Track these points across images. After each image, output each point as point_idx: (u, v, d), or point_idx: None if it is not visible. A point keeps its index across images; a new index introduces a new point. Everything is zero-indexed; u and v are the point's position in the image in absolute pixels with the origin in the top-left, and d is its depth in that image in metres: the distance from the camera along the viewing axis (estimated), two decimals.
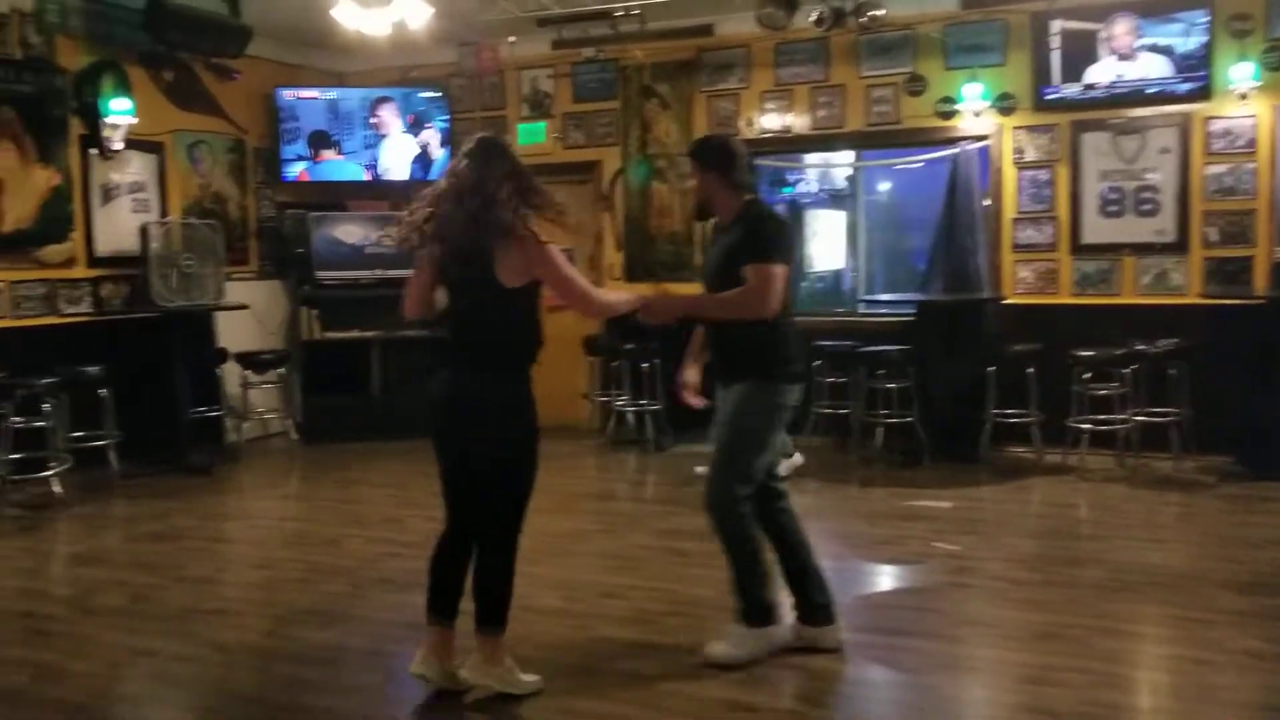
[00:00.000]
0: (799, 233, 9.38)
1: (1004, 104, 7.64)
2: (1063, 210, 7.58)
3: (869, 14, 7.11)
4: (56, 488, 6.49)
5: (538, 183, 3.47)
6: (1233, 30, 7.05)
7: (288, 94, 8.85)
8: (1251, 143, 7.09)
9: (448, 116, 9.03)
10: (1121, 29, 7.31)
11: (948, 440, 7.25)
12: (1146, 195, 7.37)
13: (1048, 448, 7.12)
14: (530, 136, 8.88)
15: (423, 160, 9.01)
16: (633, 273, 8.77)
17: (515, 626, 3.61)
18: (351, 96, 9.02)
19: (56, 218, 7.22)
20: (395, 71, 9.14)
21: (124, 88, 7.49)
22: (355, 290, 8.60)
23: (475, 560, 3.54)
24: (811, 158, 9.05)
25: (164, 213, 7.97)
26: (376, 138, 8.99)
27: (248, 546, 5.98)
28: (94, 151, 7.44)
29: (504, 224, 3.34)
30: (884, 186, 9.50)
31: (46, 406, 6.46)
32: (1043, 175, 7.62)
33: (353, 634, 4.22)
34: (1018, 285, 7.70)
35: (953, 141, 7.79)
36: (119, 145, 7.47)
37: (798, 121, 8.25)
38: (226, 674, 3.87)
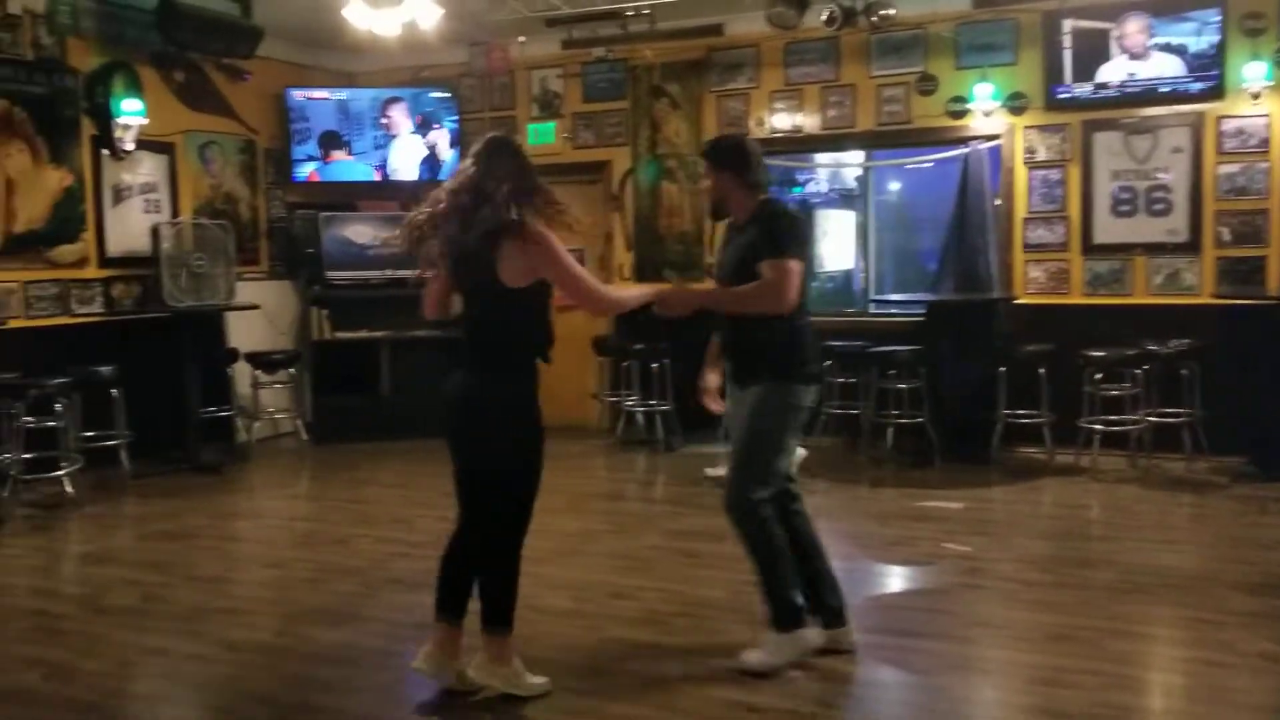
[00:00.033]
0: (809, 233, 9.34)
1: (1015, 103, 7.61)
2: (1074, 210, 7.55)
3: (880, 13, 7.10)
4: (68, 487, 6.51)
5: (542, 182, 3.45)
6: (1245, 29, 7.02)
7: (298, 94, 8.87)
8: (1264, 142, 7.06)
9: (457, 117, 9.04)
10: (1133, 28, 7.29)
11: (959, 441, 7.23)
12: (1158, 195, 7.34)
13: (1059, 448, 7.09)
14: (540, 137, 8.89)
15: (431, 161, 9.02)
16: (643, 273, 8.76)
17: (524, 627, 3.61)
18: (362, 97, 9.03)
19: (68, 218, 7.25)
20: (405, 72, 9.15)
21: (135, 88, 7.50)
22: (365, 290, 8.62)
23: (479, 561, 3.54)
24: (822, 157, 9.01)
25: (175, 213, 8.00)
26: (387, 138, 9.01)
27: (258, 546, 6.00)
28: (105, 152, 7.46)
29: (500, 223, 3.32)
30: (894, 186, 9.46)
31: (58, 406, 6.48)
32: (1054, 175, 7.59)
33: (363, 633, 4.22)
34: (1029, 285, 7.67)
35: (964, 141, 7.77)
36: (130, 146, 7.49)
37: (808, 121, 8.23)
38: (237, 673, 3.87)
